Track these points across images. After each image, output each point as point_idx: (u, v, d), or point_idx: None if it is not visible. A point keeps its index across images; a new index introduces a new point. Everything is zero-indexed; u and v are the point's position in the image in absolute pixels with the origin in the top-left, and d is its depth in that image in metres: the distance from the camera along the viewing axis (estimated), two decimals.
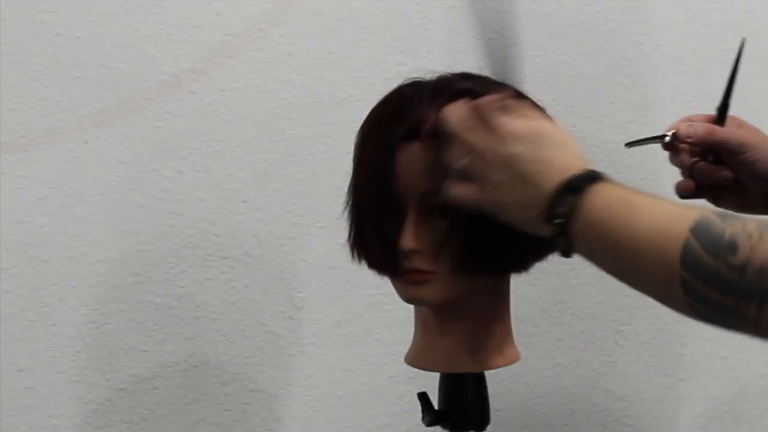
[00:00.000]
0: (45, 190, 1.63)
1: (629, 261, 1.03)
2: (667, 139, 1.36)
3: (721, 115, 1.37)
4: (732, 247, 0.95)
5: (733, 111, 1.87)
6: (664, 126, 1.81)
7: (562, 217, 1.06)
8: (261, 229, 1.70)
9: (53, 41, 1.62)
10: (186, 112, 1.67)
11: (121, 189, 1.66)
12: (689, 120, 1.37)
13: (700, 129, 1.34)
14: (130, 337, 1.67)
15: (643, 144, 1.38)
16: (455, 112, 1.15)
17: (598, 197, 1.05)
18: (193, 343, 1.70)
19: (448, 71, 1.30)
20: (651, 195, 1.05)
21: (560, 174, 1.08)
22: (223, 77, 1.68)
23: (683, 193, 1.36)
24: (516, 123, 1.12)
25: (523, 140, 1.11)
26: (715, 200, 1.38)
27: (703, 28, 1.85)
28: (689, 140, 1.34)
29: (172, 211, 1.67)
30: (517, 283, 1.34)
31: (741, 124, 1.37)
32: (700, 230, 0.98)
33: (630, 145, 1.39)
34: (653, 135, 1.37)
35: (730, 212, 1.00)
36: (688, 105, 1.84)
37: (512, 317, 1.35)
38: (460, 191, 1.14)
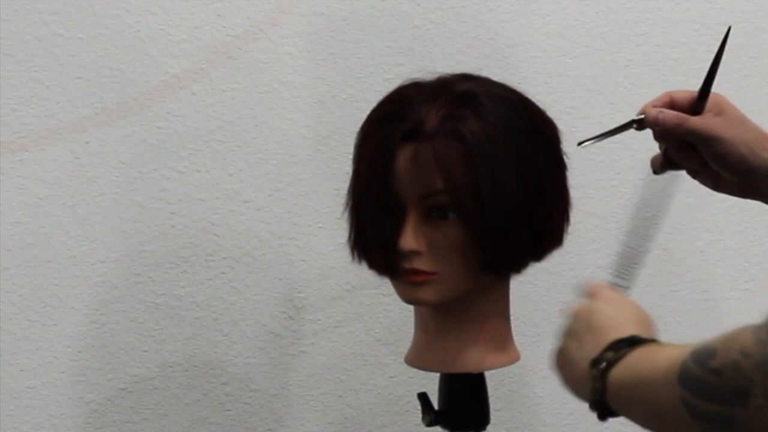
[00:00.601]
0: (46, 190, 1.64)
1: (645, 398, 0.99)
2: (634, 126, 1.28)
3: (702, 96, 1.29)
4: (711, 352, 0.92)
5: None
6: None
7: (606, 362, 1.04)
8: (261, 229, 1.71)
9: (54, 42, 1.62)
10: (187, 112, 1.67)
11: (121, 189, 1.66)
12: (670, 97, 1.29)
13: (669, 118, 1.26)
14: (130, 337, 1.68)
15: (609, 136, 1.30)
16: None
17: (642, 350, 1.03)
18: (194, 343, 1.70)
19: (448, 72, 1.31)
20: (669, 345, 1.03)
21: (624, 332, 1.06)
22: (223, 78, 1.68)
23: (656, 169, 1.32)
24: (610, 291, 1.14)
25: (606, 302, 1.11)
26: (693, 177, 1.33)
27: (703, 29, 1.85)
28: (656, 128, 1.27)
29: (172, 212, 1.68)
30: (517, 283, 1.34)
31: (720, 111, 1.29)
32: (698, 347, 0.95)
33: (596, 138, 1.31)
34: (621, 124, 1.30)
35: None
36: None
37: (512, 317, 1.35)
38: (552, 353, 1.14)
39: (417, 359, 1.34)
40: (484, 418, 1.35)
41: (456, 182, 1.21)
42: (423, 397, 1.34)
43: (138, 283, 1.67)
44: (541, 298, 1.83)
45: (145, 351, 1.68)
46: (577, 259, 1.82)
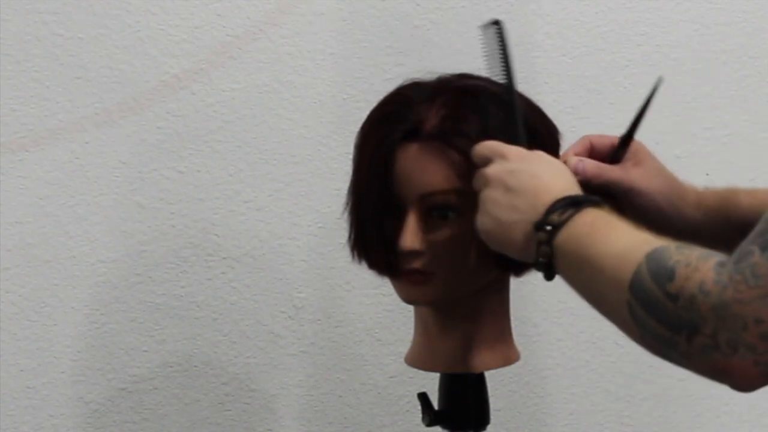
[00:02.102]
0: (46, 190, 1.64)
1: (592, 280, 1.02)
2: None
3: (623, 145, 1.26)
4: (670, 274, 0.93)
5: (733, 111, 1.87)
6: (664, 126, 1.82)
7: (552, 225, 1.06)
8: (261, 229, 1.71)
9: (54, 42, 1.62)
10: (187, 112, 1.67)
11: (122, 189, 1.66)
12: (590, 143, 1.28)
13: (589, 168, 1.24)
14: (130, 337, 1.68)
15: None
16: (477, 154, 1.16)
17: (588, 215, 1.05)
18: (194, 343, 1.70)
19: (448, 72, 1.30)
20: (635, 224, 1.04)
21: (557, 192, 1.08)
22: (223, 78, 1.68)
23: None
24: (515, 148, 1.15)
25: (522, 159, 1.13)
26: None
27: (703, 29, 1.85)
28: (576, 177, 1.20)
29: (172, 212, 1.68)
30: (517, 283, 1.34)
31: (640, 160, 1.27)
32: (654, 256, 0.96)
33: None
34: None
35: (691, 244, 0.97)
36: (687, 105, 1.84)
37: (512, 317, 1.35)
38: (477, 222, 1.15)
39: (417, 359, 1.34)
40: (484, 418, 1.35)
41: (456, 182, 1.21)
42: (423, 397, 1.33)
43: (138, 283, 1.67)
44: (541, 298, 1.83)
45: (145, 351, 1.68)
46: None
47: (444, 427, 1.34)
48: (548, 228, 1.06)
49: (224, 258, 1.70)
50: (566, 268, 1.06)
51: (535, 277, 1.80)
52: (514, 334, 1.36)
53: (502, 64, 1.24)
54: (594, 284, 1.02)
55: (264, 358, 1.72)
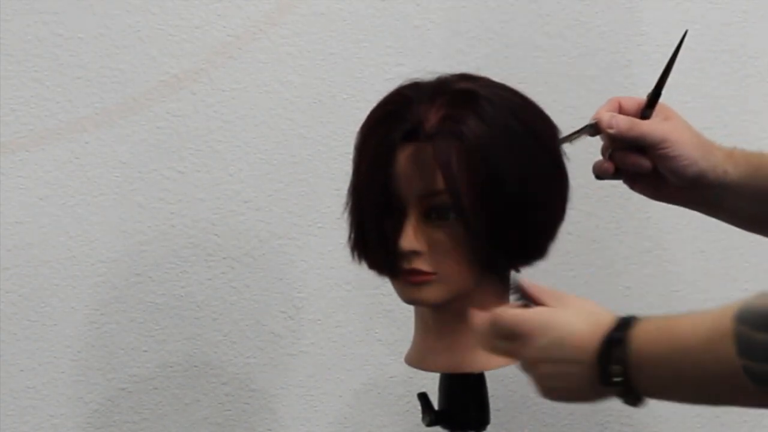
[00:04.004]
0: (46, 190, 1.64)
1: (696, 381, 0.99)
2: (590, 130, 1.31)
3: (651, 104, 1.32)
4: (766, 315, 0.93)
5: (733, 111, 1.87)
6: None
7: (620, 376, 1.03)
8: (261, 229, 1.71)
9: (54, 41, 1.62)
10: (187, 112, 1.67)
11: (121, 189, 1.66)
12: (618, 103, 1.32)
13: (622, 122, 1.29)
14: (130, 337, 1.68)
15: (571, 140, 1.32)
16: (477, 332, 1.14)
17: (641, 339, 1.02)
18: (194, 343, 1.70)
19: (448, 72, 1.30)
20: (684, 314, 1.03)
21: (592, 340, 1.04)
22: (223, 78, 1.68)
23: (599, 173, 1.33)
24: (528, 323, 1.09)
25: (545, 328, 1.08)
26: (632, 185, 1.35)
27: (703, 29, 1.85)
28: (610, 131, 1.29)
29: (172, 212, 1.68)
30: None
31: (668, 116, 1.32)
32: (745, 315, 0.95)
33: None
34: (577, 129, 1.32)
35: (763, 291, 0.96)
36: (687, 106, 1.84)
37: None
38: (543, 395, 1.12)
39: (417, 359, 1.34)
40: (484, 418, 1.35)
41: (456, 182, 1.21)
42: (423, 397, 1.34)
43: (138, 283, 1.67)
44: None
45: (145, 351, 1.68)
46: (577, 260, 1.82)
47: (444, 427, 1.34)
48: (616, 380, 1.03)
49: (224, 258, 1.70)
50: (656, 392, 1.03)
51: (535, 277, 1.80)
52: None
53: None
54: (700, 385, 0.99)
55: (264, 358, 1.72)
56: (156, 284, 1.68)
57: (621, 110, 1.31)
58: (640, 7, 1.83)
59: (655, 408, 1.88)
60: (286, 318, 1.73)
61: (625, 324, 1.04)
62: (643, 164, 1.31)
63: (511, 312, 1.11)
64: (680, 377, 1.00)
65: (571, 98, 1.80)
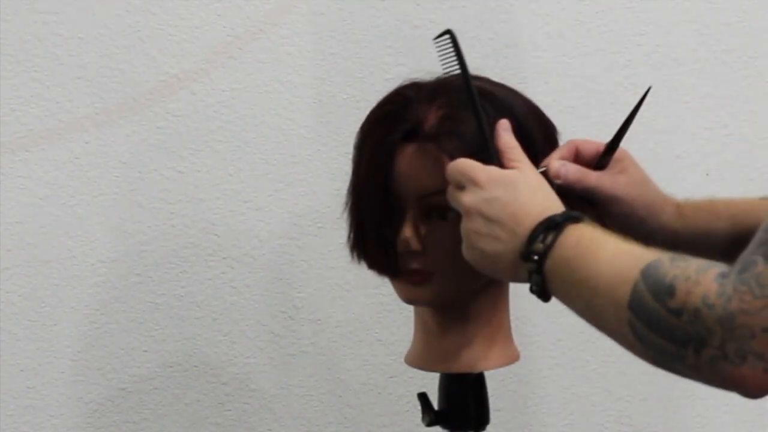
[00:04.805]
0: (46, 190, 1.64)
1: (589, 302, 1.02)
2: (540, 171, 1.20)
3: (608, 151, 1.24)
4: (670, 289, 0.94)
5: (732, 111, 1.87)
6: (664, 126, 1.82)
7: (538, 254, 1.06)
8: (261, 229, 1.71)
9: (54, 41, 1.62)
10: (187, 112, 1.67)
11: (121, 189, 1.66)
12: (576, 148, 1.25)
13: (571, 172, 1.21)
14: (130, 337, 1.68)
15: None
16: (449, 177, 1.15)
17: (573, 235, 1.05)
18: (194, 343, 1.70)
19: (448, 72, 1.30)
20: (623, 238, 1.04)
21: (536, 215, 1.08)
22: (223, 78, 1.68)
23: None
24: (486, 172, 1.13)
25: (495, 183, 1.11)
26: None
27: (703, 29, 1.85)
28: (557, 182, 1.20)
29: (172, 212, 1.68)
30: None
31: (624, 168, 1.24)
32: (649, 272, 0.96)
33: None
34: None
35: (684, 255, 0.97)
36: (687, 105, 1.84)
37: (512, 317, 1.35)
38: (464, 254, 1.14)
39: (417, 359, 1.34)
40: (484, 418, 1.35)
41: None
42: (423, 397, 1.34)
43: (138, 283, 1.67)
44: None
45: (145, 351, 1.68)
46: None
47: (444, 427, 1.34)
48: (535, 258, 1.06)
49: (224, 258, 1.70)
50: (560, 292, 1.06)
51: None
52: (513, 334, 1.36)
53: (463, 77, 1.20)
54: (591, 307, 1.02)
55: (264, 358, 1.72)
56: (156, 284, 1.68)
57: (577, 155, 1.25)
58: (640, 7, 1.83)
59: (655, 408, 1.88)
60: (286, 318, 1.73)
61: (571, 217, 1.06)
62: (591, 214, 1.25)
63: (473, 161, 1.14)
64: (579, 295, 1.03)
65: (571, 98, 1.80)
